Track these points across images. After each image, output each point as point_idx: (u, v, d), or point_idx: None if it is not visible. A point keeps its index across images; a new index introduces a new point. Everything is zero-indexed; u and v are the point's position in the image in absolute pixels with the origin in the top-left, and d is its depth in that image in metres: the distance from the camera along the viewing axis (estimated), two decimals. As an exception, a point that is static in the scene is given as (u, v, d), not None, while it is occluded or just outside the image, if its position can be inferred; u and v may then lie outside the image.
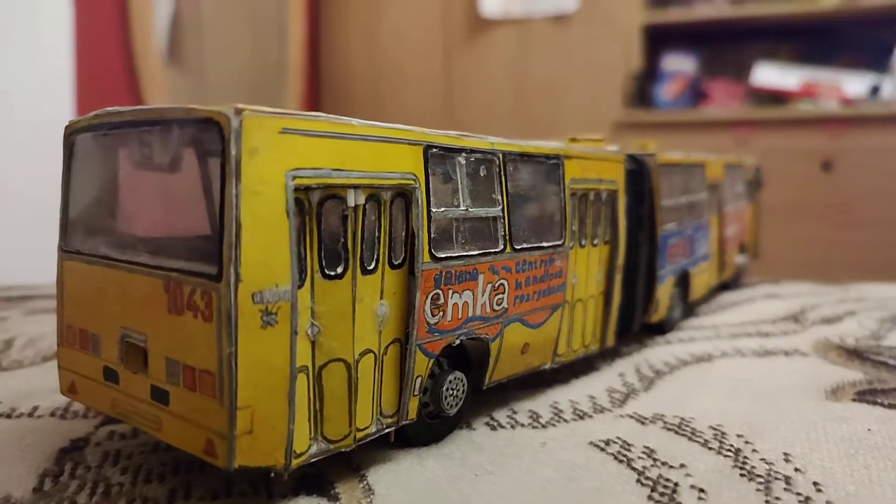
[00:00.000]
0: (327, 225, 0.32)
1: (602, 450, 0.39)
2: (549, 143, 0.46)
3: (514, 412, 0.44)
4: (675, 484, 0.35)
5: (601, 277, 0.51)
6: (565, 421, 0.43)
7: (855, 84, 1.71)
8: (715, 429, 0.41)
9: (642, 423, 0.43)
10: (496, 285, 0.41)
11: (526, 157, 0.43)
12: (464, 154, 0.38)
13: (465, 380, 0.40)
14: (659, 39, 1.84)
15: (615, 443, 0.40)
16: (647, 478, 0.35)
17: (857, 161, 1.67)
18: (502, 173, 0.41)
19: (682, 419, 0.43)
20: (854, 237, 1.71)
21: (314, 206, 0.30)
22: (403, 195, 0.35)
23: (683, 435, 0.41)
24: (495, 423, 0.42)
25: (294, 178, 0.29)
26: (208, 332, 0.29)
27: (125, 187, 0.35)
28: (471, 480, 0.35)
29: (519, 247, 0.42)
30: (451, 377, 0.39)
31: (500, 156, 0.41)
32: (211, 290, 0.28)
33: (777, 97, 1.78)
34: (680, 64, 1.84)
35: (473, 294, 0.39)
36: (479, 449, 0.39)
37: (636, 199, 0.54)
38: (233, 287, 0.28)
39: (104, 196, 0.36)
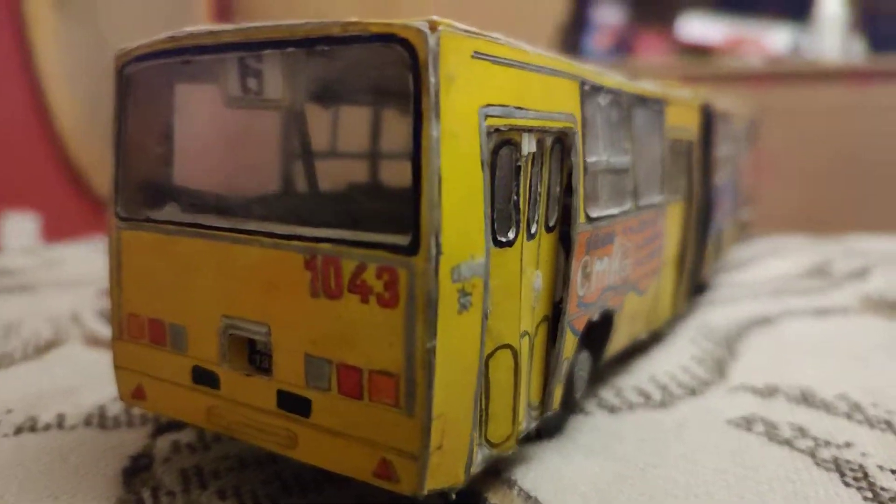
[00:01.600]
0: (499, 179, 0.25)
1: (748, 430, 0.35)
2: (649, 84, 0.40)
3: (620, 390, 0.40)
4: (860, 466, 0.31)
5: (678, 237, 0.47)
6: (678, 397, 0.39)
7: (777, 38, 1.74)
8: (843, 398, 0.38)
9: (762, 396, 0.39)
10: (625, 249, 0.35)
11: (643, 101, 0.37)
12: (602, 94, 0.32)
13: (590, 359, 0.35)
14: (591, -9, 1.81)
15: (756, 421, 0.35)
16: (825, 461, 0.31)
17: (781, 118, 1.71)
18: (629, 118, 0.35)
19: (801, 389, 0.39)
20: (780, 192, 1.76)
21: (488, 155, 0.24)
22: (561, 141, 0.28)
23: (817, 407, 0.37)
24: (609, 405, 0.37)
25: (486, 116, 0.23)
26: (390, 322, 0.22)
27: (231, 132, 0.27)
28: (641, 478, 0.30)
29: (641, 204, 0.37)
30: (581, 356, 0.34)
31: (627, 97, 0.35)
32: (396, 267, 0.22)
33: (702, 51, 1.79)
34: (609, 14, 1.82)
35: (609, 260, 0.33)
36: (615, 437, 0.34)
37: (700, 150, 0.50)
38: (433, 261, 0.21)
39: (191, 144, 0.28)
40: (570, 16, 1.78)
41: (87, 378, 0.39)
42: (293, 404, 0.24)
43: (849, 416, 0.36)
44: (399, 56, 0.21)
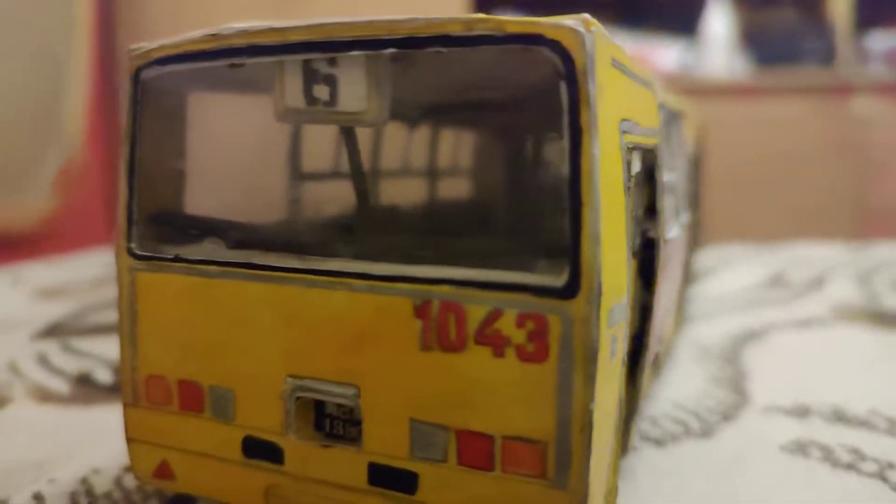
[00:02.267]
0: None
1: (805, 455, 0.33)
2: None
3: (655, 419, 0.37)
4: (936, 489, 0.30)
5: (683, 255, 0.45)
6: (715, 424, 0.37)
7: (668, 54, 1.81)
8: (876, 413, 0.37)
9: (796, 416, 0.38)
10: (671, 273, 0.33)
11: (675, 114, 0.35)
12: (663, 107, 0.30)
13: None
14: (493, 2, 1.81)
15: (808, 446, 0.34)
16: (900, 486, 0.30)
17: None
18: (668, 133, 0.33)
19: (831, 407, 0.38)
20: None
21: (628, 176, 0.21)
22: (647, 159, 0.26)
23: (856, 425, 0.36)
24: (652, 438, 0.35)
25: (623, 133, 0.20)
26: (535, 379, 0.18)
27: (290, 150, 0.22)
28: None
29: (682, 222, 0.34)
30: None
31: (667, 110, 0.33)
32: (545, 313, 0.18)
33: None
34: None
35: (666, 286, 0.31)
36: (678, 476, 0.31)
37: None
38: (595, 305, 0.18)
39: (234, 166, 0.23)
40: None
41: (54, 445, 0.33)
42: (392, 479, 0.20)
43: (891, 433, 0.35)
44: (547, 61, 0.17)
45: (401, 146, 0.22)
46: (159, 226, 0.23)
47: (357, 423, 0.21)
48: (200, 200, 0.23)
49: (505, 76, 0.20)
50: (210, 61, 0.22)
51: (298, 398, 0.21)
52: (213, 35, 0.21)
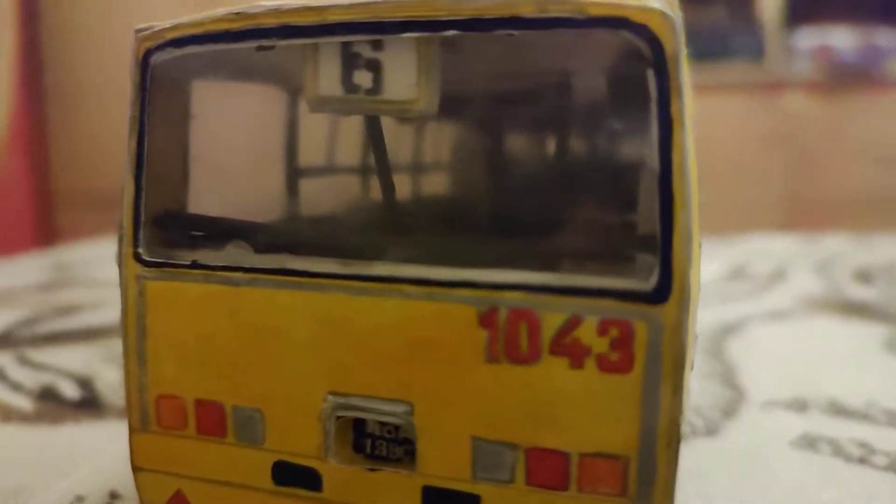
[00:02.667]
0: None
1: (816, 451, 0.33)
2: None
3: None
4: (953, 482, 0.30)
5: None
6: (718, 421, 0.36)
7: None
8: (873, 405, 0.38)
9: (795, 410, 0.37)
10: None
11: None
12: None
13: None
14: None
15: (817, 441, 0.34)
16: (917, 480, 0.30)
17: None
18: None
19: (828, 400, 0.39)
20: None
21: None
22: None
23: (858, 419, 0.36)
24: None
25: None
26: (619, 391, 0.17)
27: (325, 141, 0.20)
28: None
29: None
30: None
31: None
32: (631, 319, 0.17)
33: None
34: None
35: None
36: (700, 477, 0.30)
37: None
38: (685, 310, 0.16)
39: (257, 160, 0.20)
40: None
41: (26, 470, 0.30)
42: (450, 503, 0.19)
43: (892, 424, 0.35)
44: (633, 47, 0.16)
45: (457, 137, 0.20)
46: (172, 228, 0.21)
47: (404, 443, 0.19)
48: (220, 199, 0.21)
49: (581, 62, 0.18)
50: (234, 43, 0.19)
51: (339, 418, 0.19)
52: (238, 13, 0.19)
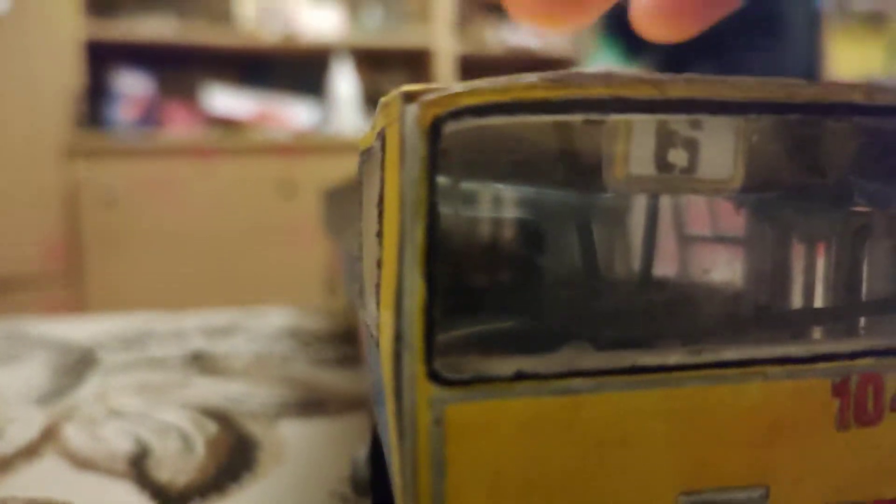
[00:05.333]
0: None
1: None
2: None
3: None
4: None
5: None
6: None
7: (299, 112, 1.85)
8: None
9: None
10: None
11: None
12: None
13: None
14: (106, 56, 1.65)
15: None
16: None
17: (314, 186, 1.82)
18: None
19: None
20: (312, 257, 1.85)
21: None
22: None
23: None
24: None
25: None
26: None
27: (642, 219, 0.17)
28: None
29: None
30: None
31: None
32: None
33: (230, 124, 1.80)
34: (133, 84, 1.69)
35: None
36: None
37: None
38: None
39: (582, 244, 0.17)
40: (86, 85, 1.59)
41: None
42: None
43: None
44: None
45: (769, 215, 0.20)
46: (474, 336, 0.16)
47: None
48: (535, 292, 0.17)
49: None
50: (550, 114, 0.16)
51: None
52: (558, 80, 0.16)
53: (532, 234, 0.18)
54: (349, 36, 1.86)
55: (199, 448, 0.35)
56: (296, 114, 1.84)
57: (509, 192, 0.18)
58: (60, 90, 1.57)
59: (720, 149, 0.17)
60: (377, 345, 0.19)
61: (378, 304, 0.18)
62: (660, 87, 0.17)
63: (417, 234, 0.16)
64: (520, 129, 0.17)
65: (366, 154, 0.23)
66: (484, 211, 0.18)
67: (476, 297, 0.17)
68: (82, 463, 0.33)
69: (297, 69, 1.89)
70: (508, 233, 0.18)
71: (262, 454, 0.34)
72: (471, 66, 1.91)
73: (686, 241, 0.19)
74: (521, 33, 1.98)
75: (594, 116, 0.17)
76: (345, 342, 0.60)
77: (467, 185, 0.17)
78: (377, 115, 0.19)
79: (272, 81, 1.87)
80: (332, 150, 1.76)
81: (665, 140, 0.17)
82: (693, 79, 0.17)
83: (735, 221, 0.19)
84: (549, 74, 0.17)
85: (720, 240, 0.20)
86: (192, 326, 0.70)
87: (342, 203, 0.61)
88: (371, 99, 1.90)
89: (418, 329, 0.16)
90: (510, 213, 0.18)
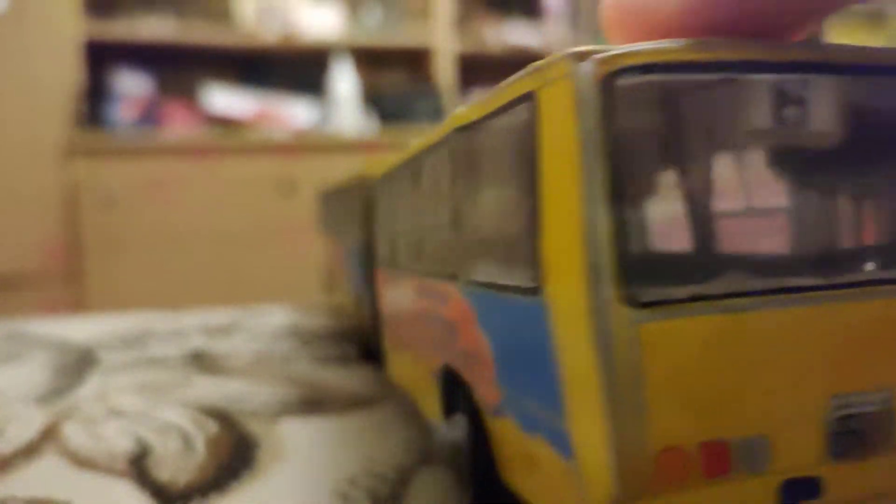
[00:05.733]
0: None
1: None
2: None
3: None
4: None
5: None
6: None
7: (298, 111, 1.85)
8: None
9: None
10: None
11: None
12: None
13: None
14: (106, 56, 1.65)
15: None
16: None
17: (313, 185, 1.82)
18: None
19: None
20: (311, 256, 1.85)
21: None
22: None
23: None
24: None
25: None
26: None
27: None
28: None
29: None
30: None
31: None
32: None
33: (230, 123, 1.80)
34: (134, 83, 1.69)
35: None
36: None
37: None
38: None
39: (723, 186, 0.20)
40: (86, 85, 1.59)
41: None
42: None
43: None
44: None
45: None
46: (660, 264, 0.19)
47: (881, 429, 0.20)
48: (703, 226, 0.20)
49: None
50: (696, 74, 0.19)
51: (840, 418, 0.20)
52: (702, 43, 0.19)
53: (692, 175, 0.20)
54: (349, 35, 1.86)
55: (200, 447, 0.35)
56: (295, 113, 1.84)
57: (667, 138, 0.20)
58: (60, 90, 1.57)
59: (823, 105, 0.20)
60: None
61: (535, 251, 0.21)
62: (780, 52, 0.20)
63: (600, 174, 0.18)
64: (672, 85, 0.20)
65: (468, 129, 0.26)
66: (649, 155, 0.20)
67: (653, 229, 0.19)
68: (82, 462, 0.33)
69: (297, 68, 1.88)
70: (672, 174, 0.20)
71: (262, 453, 0.34)
72: (471, 66, 1.91)
73: (821, 188, 0.21)
74: (521, 32, 1.98)
75: (730, 76, 0.19)
76: (345, 340, 0.60)
77: (633, 132, 0.19)
78: (511, 83, 0.22)
79: (271, 81, 1.87)
80: (331, 149, 1.76)
81: (780, 98, 0.20)
82: (812, 46, 0.20)
83: (848, 170, 0.21)
84: (693, 41, 0.19)
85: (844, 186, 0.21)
86: (192, 326, 0.70)
87: (342, 203, 0.61)
88: (370, 98, 1.90)
89: (610, 258, 0.18)
90: (671, 157, 0.20)
